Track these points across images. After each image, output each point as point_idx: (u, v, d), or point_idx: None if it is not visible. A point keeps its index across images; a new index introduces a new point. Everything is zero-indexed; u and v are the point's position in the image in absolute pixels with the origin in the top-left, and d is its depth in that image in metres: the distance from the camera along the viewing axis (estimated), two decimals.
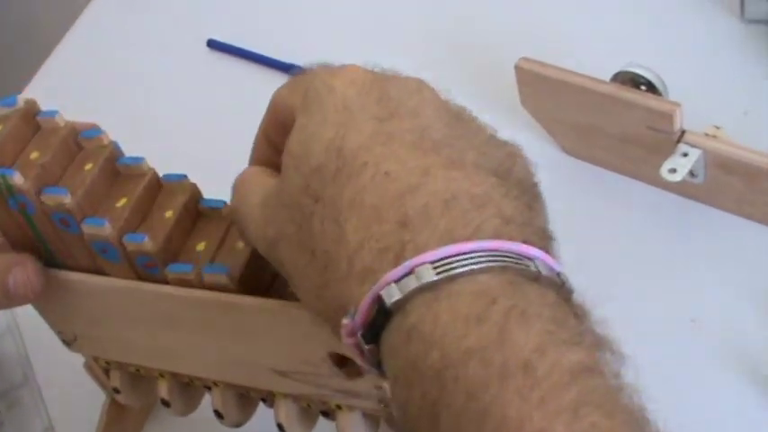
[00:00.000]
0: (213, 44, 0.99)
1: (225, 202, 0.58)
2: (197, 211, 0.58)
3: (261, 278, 0.56)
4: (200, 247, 0.57)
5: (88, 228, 0.56)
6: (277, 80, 0.93)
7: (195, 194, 0.58)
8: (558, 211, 0.77)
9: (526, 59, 0.74)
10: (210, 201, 0.58)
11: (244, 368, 0.60)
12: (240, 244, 0.56)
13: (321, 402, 0.59)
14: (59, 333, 0.67)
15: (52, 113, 0.59)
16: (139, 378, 0.68)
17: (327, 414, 0.61)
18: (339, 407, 0.59)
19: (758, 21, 0.85)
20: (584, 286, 0.71)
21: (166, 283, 0.57)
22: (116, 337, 0.64)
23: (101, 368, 0.69)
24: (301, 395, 0.59)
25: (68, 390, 0.80)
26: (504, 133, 0.80)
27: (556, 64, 0.74)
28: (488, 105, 0.83)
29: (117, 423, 0.73)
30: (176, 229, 0.57)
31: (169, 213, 0.57)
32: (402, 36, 0.94)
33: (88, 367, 0.70)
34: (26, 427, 0.79)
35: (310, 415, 0.62)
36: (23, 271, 0.60)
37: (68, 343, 0.67)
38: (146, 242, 0.55)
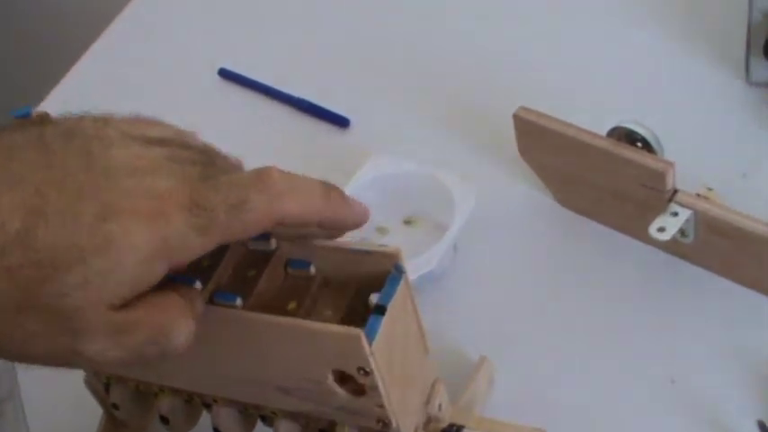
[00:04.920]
0: (224, 73, 0.98)
1: None
2: None
3: (269, 306, 0.55)
4: (206, 262, 0.55)
5: None
6: (283, 113, 0.93)
7: None
8: (548, 261, 0.78)
9: (524, 109, 0.73)
10: None
11: (247, 385, 0.58)
12: (252, 271, 0.55)
13: (320, 420, 0.58)
14: None
15: None
16: (139, 395, 0.67)
17: None
18: (335, 425, 0.58)
19: (763, 84, 0.83)
20: (566, 337, 0.72)
21: None
22: None
23: (101, 383, 0.67)
24: (302, 413, 0.58)
25: (51, 408, 0.78)
26: (502, 182, 0.82)
27: (555, 115, 0.72)
28: (487, 154, 0.85)
29: None
30: None
31: None
32: (403, 81, 0.93)
33: (87, 382, 0.68)
34: None
35: None
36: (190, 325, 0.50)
37: None
38: None
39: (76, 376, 0.69)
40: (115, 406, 0.67)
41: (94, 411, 0.71)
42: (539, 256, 0.78)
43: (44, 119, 0.58)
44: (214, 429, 0.63)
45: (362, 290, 0.55)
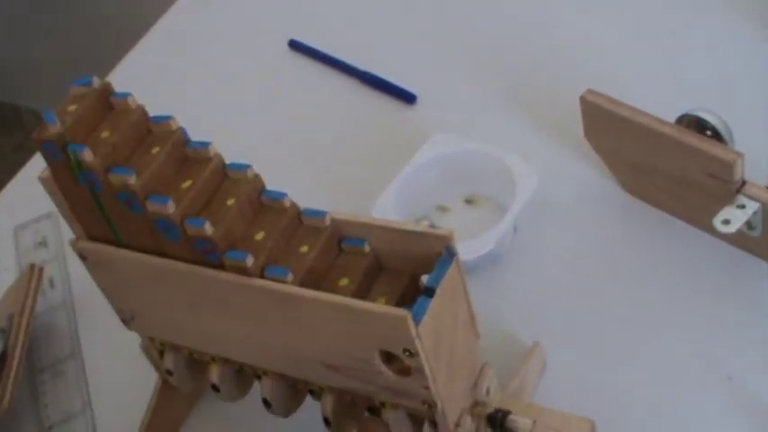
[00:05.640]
0: (294, 45, 0.97)
1: (286, 194, 0.56)
2: (259, 202, 0.56)
3: (321, 282, 0.55)
4: (259, 236, 0.55)
5: (152, 205, 0.54)
6: (351, 86, 0.93)
7: (258, 185, 0.56)
8: (608, 247, 0.75)
9: (592, 92, 0.71)
10: (273, 192, 0.56)
11: (294, 359, 0.58)
12: (305, 247, 0.55)
13: (367, 398, 0.57)
14: (119, 311, 0.66)
15: (125, 95, 0.58)
16: (192, 362, 0.67)
17: (373, 411, 0.59)
18: (384, 404, 0.57)
19: None
20: (622, 326, 0.70)
21: (224, 269, 0.55)
22: (171, 318, 0.63)
23: (156, 349, 0.68)
24: (349, 390, 0.57)
25: (110, 369, 0.79)
26: (565, 164, 0.80)
27: (623, 99, 0.70)
28: (552, 136, 0.83)
29: (167, 405, 0.72)
30: (237, 217, 0.55)
31: (231, 201, 0.55)
32: (472, 60, 0.91)
33: (144, 348, 0.68)
34: (66, 399, 0.78)
35: (356, 411, 0.60)
36: None
37: (126, 322, 0.66)
38: (206, 227, 0.53)
39: (136, 340, 0.69)
40: (169, 372, 0.67)
41: (152, 374, 0.71)
42: (599, 241, 0.76)
43: (106, 88, 0.58)
44: (263, 400, 0.62)
45: (417, 275, 0.54)
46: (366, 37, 0.96)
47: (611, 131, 0.72)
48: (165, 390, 0.71)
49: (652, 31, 0.88)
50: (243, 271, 0.54)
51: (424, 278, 0.53)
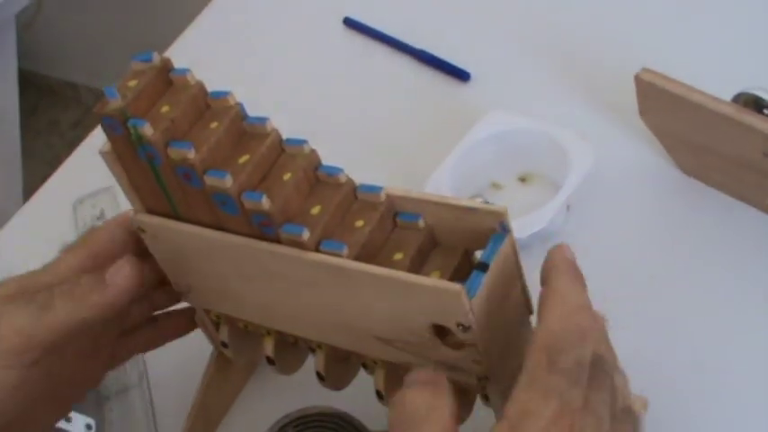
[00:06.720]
0: (349, 22, 0.97)
1: (342, 170, 0.56)
2: (315, 177, 0.57)
3: (376, 257, 0.55)
4: (315, 210, 0.55)
5: (210, 179, 0.55)
6: (405, 64, 0.93)
7: (314, 160, 0.57)
8: (662, 227, 0.75)
9: (647, 70, 0.70)
10: (329, 167, 0.57)
11: (348, 332, 0.58)
12: (360, 222, 0.55)
13: None
14: (175, 284, 0.66)
15: (184, 71, 0.59)
16: (247, 334, 0.67)
17: None
18: None
19: None
20: (676, 306, 0.70)
21: (279, 242, 0.56)
22: (227, 291, 0.63)
23: (211, 322, 0.69)
24: (401, 364, 0.58)
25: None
26: (620, 145, 0.80)
27: (678, 77, 0.69)
28: (607, 114, 0.82)
29: (221, 377, 0.73)
30: (293, 192, 0.55)
31: (287, 176, 0.56)
32: (526, 37, 0.91)
33: (199, 320, 0.69)
34: (123, 370, 0.78)
35: None
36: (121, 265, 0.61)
37: (183, 294, 0.67)
38: (263, 201, 0.54)
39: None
40: (224, 344, 0.68)
41: (207, 346, 0.72)
42: (653, 220, 0.76)
43: (166, 64, 0.59)
44: (317, 374, 0.63)
45: (471, 251, 0.54)
46: (420, 15, 0.97)
47: (667, 110, 0.71)
48: (220, 362, 0.72)
49: (708, 8, 0.87)
50: (299, 245, 0.54)
51: (478, 254, 0.53)
